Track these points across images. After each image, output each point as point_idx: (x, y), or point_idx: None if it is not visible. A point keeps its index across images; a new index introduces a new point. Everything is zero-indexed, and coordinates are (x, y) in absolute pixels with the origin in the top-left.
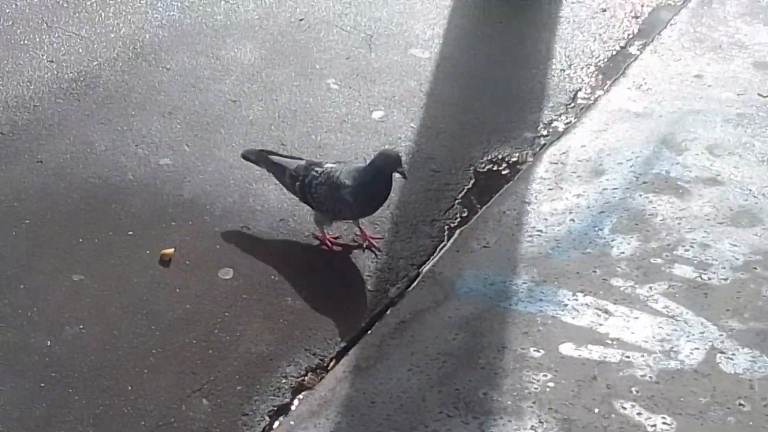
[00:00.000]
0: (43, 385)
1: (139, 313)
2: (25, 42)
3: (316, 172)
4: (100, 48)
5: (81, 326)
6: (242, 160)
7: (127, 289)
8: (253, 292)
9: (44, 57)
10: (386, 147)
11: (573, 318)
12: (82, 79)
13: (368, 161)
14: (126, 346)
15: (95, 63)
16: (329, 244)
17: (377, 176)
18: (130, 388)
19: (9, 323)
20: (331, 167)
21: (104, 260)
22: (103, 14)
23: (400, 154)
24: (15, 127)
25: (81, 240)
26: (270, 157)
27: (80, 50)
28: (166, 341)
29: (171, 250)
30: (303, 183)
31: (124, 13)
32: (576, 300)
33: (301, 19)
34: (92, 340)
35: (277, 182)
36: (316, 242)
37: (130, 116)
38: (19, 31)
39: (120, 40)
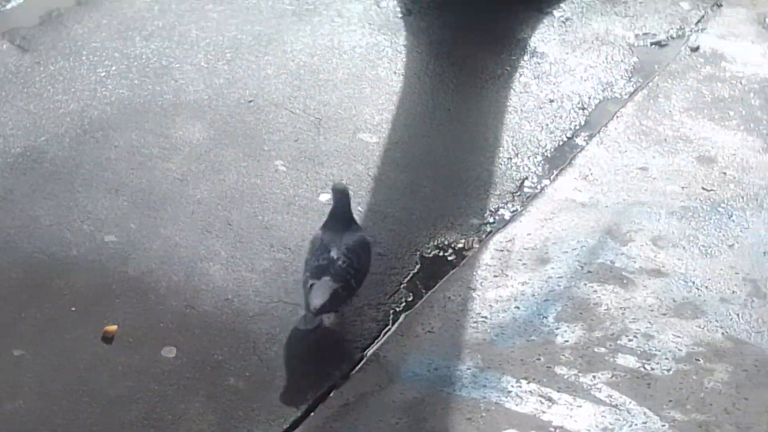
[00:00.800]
0: None
1: (81, 389)
2: None
3: (329, 257)
4: (48, 123)
5: (21, 401)
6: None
7: (69, 365)
8: (196, 371)
9: None
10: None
11: (516, 405)
12: (28, 153)
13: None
14: (65, 423)
15: (42, 138)
16: None
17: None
18: None
19: None
20: (324, 240)
21: (46, 336)
22: (51, 90)
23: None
24: None
25: (23, 315)
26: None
27: (27, 125)
28: (107, 418)
29: (114, 327)
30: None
31: (72, 89)
32: (520, 387)
33: (251, 101)
34: (32, 416)
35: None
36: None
37: (76, 192)
38: None
39: (68, 116)
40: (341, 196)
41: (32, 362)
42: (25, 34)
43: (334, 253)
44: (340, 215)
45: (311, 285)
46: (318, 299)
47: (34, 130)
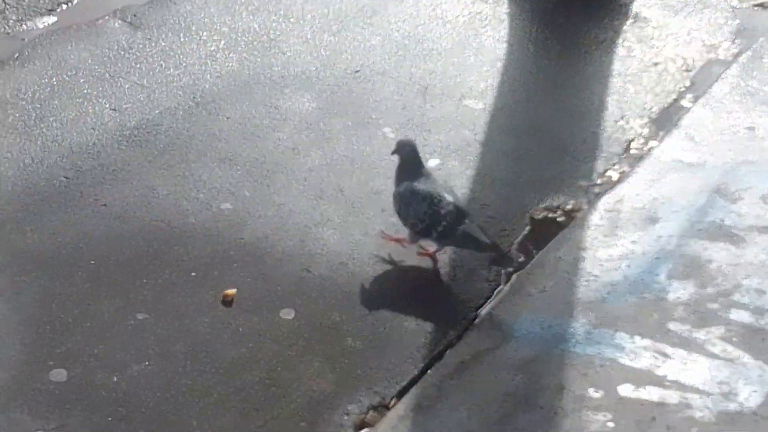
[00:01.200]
0: (110, 419)
1: (203, 351)
2: (88, 91)
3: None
4: (161, 97)
5: (146, 363)
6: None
7: (191, 328)
8: (314, 333)
9: (107, 105)
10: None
11: (631, 360)
12: (143, 126)
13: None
14: (189, 384)
15: (156, 111)
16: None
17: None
18: (194, 423)
19: (76, 360)
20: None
21: (168, 300)
22: (163, 64)
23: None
24: (79, 173)
25: (144, 281)
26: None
27: (141, 99)
28: (228, 379)
29: (233, 291)
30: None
31: (183, 64)
32: (634, 343)
33: (357, 71)
34: (157, 378)
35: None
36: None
37: (190, 163)
38: (82, 81)
39: (180, 90)
40: (410, 149)
41: (155, 326)
42: (135, 11)
43: (450, 197)
44: (416, 164)
45: (460, 230)
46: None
47: (148, 104)
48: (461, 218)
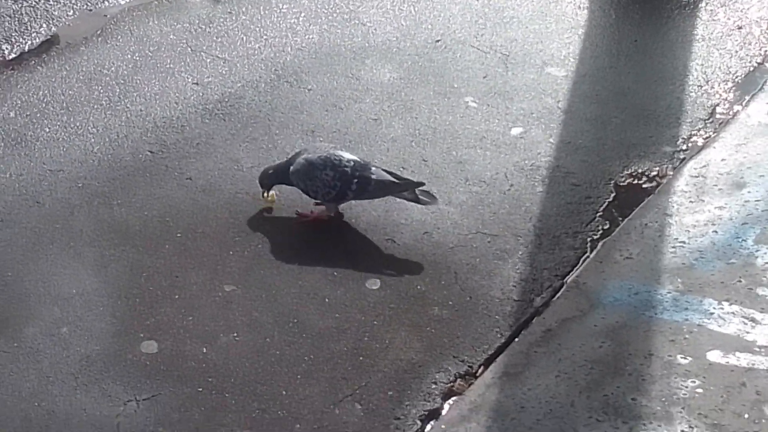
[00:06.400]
0: (200, 389)
1: (291, 321)
2: (171, 65)
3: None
4: (243, 70)
5: (234, 334)
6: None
7: (278, 299)
8: (400, 302)
9: (189, 79)
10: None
11: (719, 326)
12: (226, 100)
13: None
14: (278, 354)
15: (239, 85)
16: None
17: None
18: (284, 393)
19: (165, 332)
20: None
21: (255, 272)
22: (244, 38)
23: None
24: (164, 147)
25: (231, 253)
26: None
27: (224, 73)
28: (317, 349)
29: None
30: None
31: (264, 37)
32: (722, 309)
33: (438, 40)
34: (245, 348)
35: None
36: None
37: (274, 135)
38: (164, 56)
39: (262, 63)
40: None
41: (242, 297)
42: None
43: (344, 153)
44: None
45: (372, 180)
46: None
47: (230, 77)
48: (367, 169)
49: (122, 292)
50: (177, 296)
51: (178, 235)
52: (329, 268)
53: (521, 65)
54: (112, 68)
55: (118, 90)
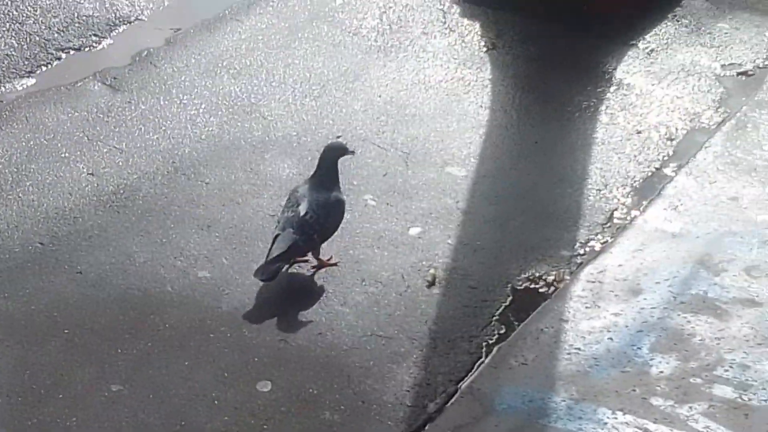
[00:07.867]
0: None
1: (178, 424)
2: (66, 155)
3: (297, 212)
4: (140, 162)
5: None
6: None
7: (166, 400)
8: (291, 406)
9: (84, 169)
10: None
11: None
12: (121, 191)
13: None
14: None
15: (135, 176)
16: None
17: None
18: None
19: None
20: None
21: (143, 371)
22: (143, 128)
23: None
24: (55, 239)
25: (120, 350)
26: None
27: (120, 163)
28: None
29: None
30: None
31: (163, 128)
32: (616, 418)
33: (339, 137)
34: None
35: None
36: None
37: (169, 229)
38: (60, 144)
39: (159, 154)
40: (328, 153)
41: (129, 397)
42: (116, 74)
43: (302, 208)
44: (324, 171)
45: (276, 236)
46: (276, 250)
47: (127, 168)
48: (285, 226)
49: (3, 390)
50: (61, 395)
51: (66, 330)
52: (220, 369)
53: (422, 164)
54: (6, 155)
55: (10, 178)
